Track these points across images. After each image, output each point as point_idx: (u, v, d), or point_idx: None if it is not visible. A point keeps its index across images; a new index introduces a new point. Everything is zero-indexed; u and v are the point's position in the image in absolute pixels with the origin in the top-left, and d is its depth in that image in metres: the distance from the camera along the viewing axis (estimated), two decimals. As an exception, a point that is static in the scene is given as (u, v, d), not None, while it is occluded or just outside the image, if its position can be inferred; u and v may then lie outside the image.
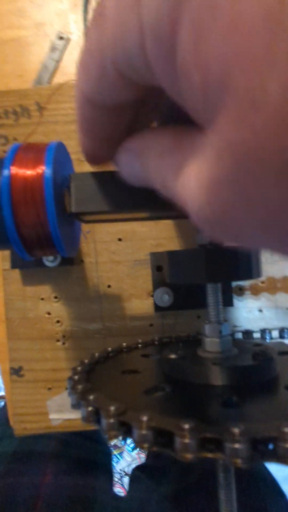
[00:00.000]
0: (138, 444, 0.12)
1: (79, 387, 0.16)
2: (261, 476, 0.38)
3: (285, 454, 0.11)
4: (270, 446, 0.11)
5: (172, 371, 0.19)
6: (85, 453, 0.43)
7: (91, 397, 0.15)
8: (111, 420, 0.13)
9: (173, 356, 0.19)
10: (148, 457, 0.56)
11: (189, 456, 0.11)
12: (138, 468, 0.50)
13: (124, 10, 0.10)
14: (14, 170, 0.18)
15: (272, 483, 0.38)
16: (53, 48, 0.41)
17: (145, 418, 0.12)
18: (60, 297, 0.35)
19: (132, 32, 0.10)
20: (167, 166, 0.13)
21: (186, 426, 0.12)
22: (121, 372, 0.21)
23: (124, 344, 0.26)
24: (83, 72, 0.13)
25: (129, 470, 1.31)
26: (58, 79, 0.40)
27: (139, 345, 0.27)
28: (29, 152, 0.19)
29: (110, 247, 0.35)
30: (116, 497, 0.39)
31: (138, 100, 0.14)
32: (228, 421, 0.13)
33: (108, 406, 0.13)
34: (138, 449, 1.42)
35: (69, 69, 0.41)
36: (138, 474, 0.47)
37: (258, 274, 0.19)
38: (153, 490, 0.41)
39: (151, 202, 0.19)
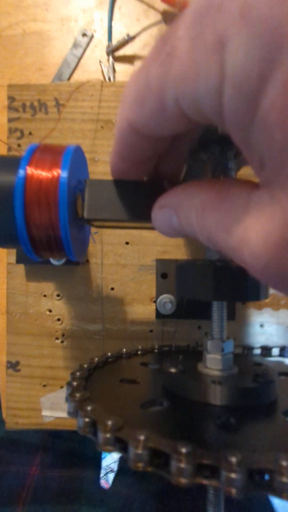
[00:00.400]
0: (132, 464, 0.12)
1: (77, 395, 0.16)
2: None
3: (280, 487, 0.11)
4: (266, 478, 0.11)
5: (171, 386, 0.19)
6: (73, 446, 0.43)
7: (89, 407, 0.15)
8: (108, 435, 0.13)
9: (173, 370, 0.19)
10: None
11: (183, 481, 0.11)
12: (124, 461, 0.50)
13: (203, 54, 0.10)
14: (29, 170, 0.18)
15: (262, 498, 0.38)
16: (76, 45, 0.41)
17: (142, 437, 0.12)
18: (63, 295, 0.35)
19: (210, 77, 0.10)
20: (212, 220, 0.13)
21: (183, 450, 0.11)
22: (119, 381, 0.21)
23: (124, 350, 0.26)
24: (134, 103, 0.13)
25: (115, 466, 1.32)
26: (79, 75, 0.40)
27: (139, 352, 0.27)
28: (46, 153, 0.19)
29: (116, 249, 0.35)
30: (102, 490, 0.39)
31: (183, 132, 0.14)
32: (225, 446, 0.13)
33: (105, 420, 0.13)
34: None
35: (90, 66, 0.41)
36: (124, 467, 0.47)
37: (265, 296, 0.19)
38: (139, 485, 0.41)
39: None
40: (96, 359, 0.23)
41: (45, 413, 0.35)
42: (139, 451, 0.12)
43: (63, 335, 0.35)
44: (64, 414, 0.35)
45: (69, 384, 0.18)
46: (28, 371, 0.35)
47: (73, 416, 0.16)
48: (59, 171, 0.18)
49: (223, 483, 0.11)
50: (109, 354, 0.25)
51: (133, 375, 0.22)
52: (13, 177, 0.18)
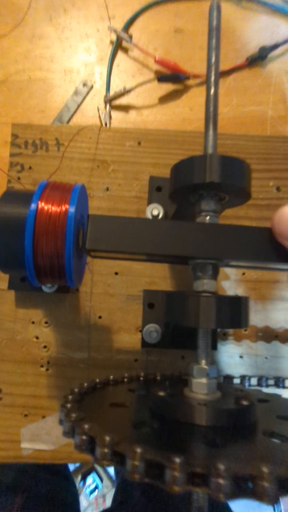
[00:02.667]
0: (130, 475, 0.13)
1: (73, 415, 0.17)
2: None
3: (262, 492, 0.12)
4: (250, 484, 0.12)
5: (159, 408, 0.20)
6: (54, 490, 0.42)
7: (86, 426, 0.16)
8: (106, 450, 0.14)
9: (161, 393, 0.21)
10: (114, 502, 0.53)
11: (177, 488, 0.12)
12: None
13: None
14: (40, 205, 0.20)
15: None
16: (76, 92, 0.45)
17: (139, 450, 0.13)
18: (51, 322, 0.36)
19: None
20: None
21: (177, 460, 0.13)
22: (110, 405, 0.21)
23: (111, 377, 0.27)
24: None
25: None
26: (77, 119, 0.44)
27: (125, 379, 0.28)
28: (56, 190, 0.21)
29: (106, 279, 0.37)
30: None
31: None
32: (213, 459, 0.14)
33: (103, 436, 0.14)
34: (96, 493, 1.32)
35: (88, 112, 0.45)
36: None
37: (246, 324, 0.21)
38: None
39: (151, 247, 0.21)
40: (85, 384, 0.24)
41: (24, 445, 0.34)
42: (136, 463, 0.13)
43: (48, 362, 0.36)
44: (44, 447, 0.34)
45: (63, 406, 0.19)
46: (10, 399, 0.35)
47: (69, 436, 0.17)
48: (67, 206, 0.21)
49: (213, 490, 0.12)
50: (97, 380, 0.26)
51: (122, 400, 0.22)
52: (25, 210, 0.20)
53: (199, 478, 0.13)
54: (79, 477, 1.24)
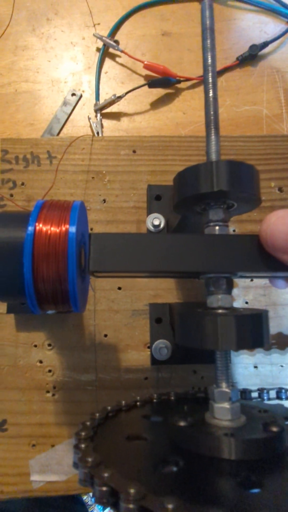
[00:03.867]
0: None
1: (89, 459, 0.15)
2: None
3: None
4: None
5: (181, 442, 0.18)
6: None
7: (105, 474, 0.14)
8: (131, 506, 0.12)
9: (181, 423, 0.19)
10: None
11: None
12: None
13: None
14: (38, 226, 0.19)
15: None
16: (65, 103, 0.44)
17: (170, 506, 0.11)
18: (54, 344, 0.34)
19: None
20: None
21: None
22: (126, 438, 0.20)
23: (123, 402, 0.25)
24: None
25: None
26: (68, 130, 0.43)
27: (138, 403, 0.26)
28: (54, 210, 0.20)
29: (109, 295, 0.35)
30: None
31: None
32: (255, 509, 0.12)
33: (127, 488, 0.13)
34: (109, 508, 1.29)
35: (78, 122, 0.43)
36: None
37: (268, 341, 0.20)
38: None
39: (161, 264, 0.19)
40: (97, 414, 0.22)
41: (34, 477, 0.32)
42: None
43: (54, 387, 0.34)
44: (55, 478, 0.32)
45: (77, 447, 0.17)
46: (16, 430, 0.33)
47: (86, 485, 0.15)
48: (68, 226, 0.19)
49: None
50: (109, 408, 0.24)
51: (138, 431, 0.21)
52: (21, 233, 0.19)
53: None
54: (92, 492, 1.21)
